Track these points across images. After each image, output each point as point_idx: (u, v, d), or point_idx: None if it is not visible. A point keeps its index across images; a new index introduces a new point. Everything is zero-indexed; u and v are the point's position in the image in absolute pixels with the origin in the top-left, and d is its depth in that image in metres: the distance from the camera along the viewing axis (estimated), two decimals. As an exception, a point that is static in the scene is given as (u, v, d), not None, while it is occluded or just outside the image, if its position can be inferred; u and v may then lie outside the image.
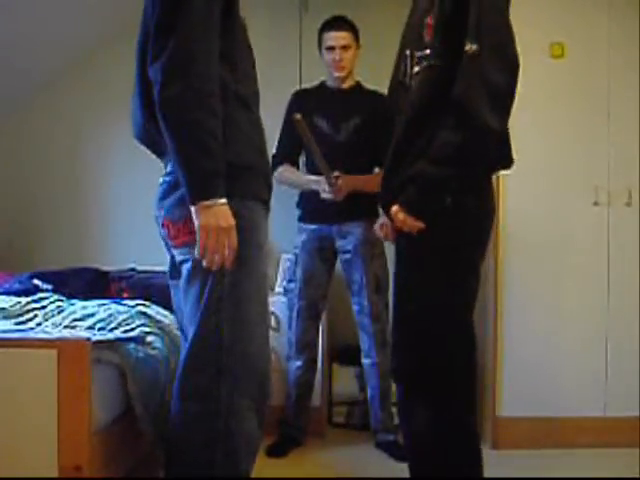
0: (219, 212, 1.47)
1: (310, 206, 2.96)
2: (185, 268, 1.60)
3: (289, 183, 3.01)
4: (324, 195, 2.81)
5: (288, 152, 2.98)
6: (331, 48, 2.89)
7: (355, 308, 2.95)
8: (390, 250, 2.89)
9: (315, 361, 2.99)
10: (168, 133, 1.47)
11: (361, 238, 2.88)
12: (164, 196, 1.62)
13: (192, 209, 1.49)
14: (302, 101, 3.00)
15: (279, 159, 2.97)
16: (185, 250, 1.59)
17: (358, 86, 3.02)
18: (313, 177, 2.88)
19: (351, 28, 2.92)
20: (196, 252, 1.53)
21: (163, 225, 1.63)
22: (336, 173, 2.75)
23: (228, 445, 1.56)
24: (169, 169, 1.62)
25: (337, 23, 2.92)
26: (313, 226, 2.93)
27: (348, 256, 2.92)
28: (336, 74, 2.93)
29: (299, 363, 2.94)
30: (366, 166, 2.93)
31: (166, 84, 1.45)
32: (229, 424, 1.55)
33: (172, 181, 1.59)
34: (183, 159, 1.47)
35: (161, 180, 1.66)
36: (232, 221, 1.50)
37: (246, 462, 1.61)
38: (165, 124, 1.47)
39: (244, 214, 1.57)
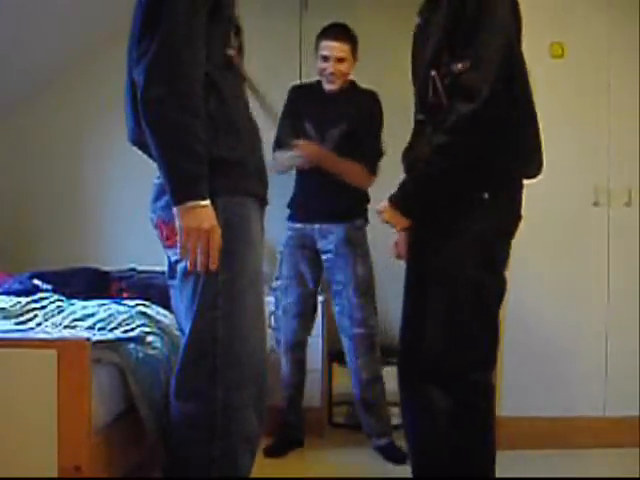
0: (201, 213, 1.47)
1: (296, 205, 2.97)
2: (179, 267, 1.61)
3: (279, 163, 2.92)
4: (292, 161, 2.82)
5: (284, 140, 2.94)
6: (325, 58, 2.83)
7: (336, 309, 2.90)
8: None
9: (303, 362, 2.94)
10: (151, 135, 1.48)
11: (342, 237, 2.85)
12: (156, 197, 1.63)
13: (174, 210, 1.49)
14: (297, 100, 2.99)
15: (275, 146, 2.95)
16: (177, 250, 1.58)
17: (351, 87, 2.96)
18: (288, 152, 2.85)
19: (350, 39, 2.85)
20: (178, 253, 1.53)
21: (157, 226, 1.64)
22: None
23: (226, 444, 1.55)
24: None
25: (336, 32, 2.84)
26: (297, 225, 2.94)
27: (330, 256, 2.88)
28: (327, 87, 2.89)
29: (286, 364, 2.91)
30: None
31: (148, 86, 1.45)
32: (226, 423, 1.54)
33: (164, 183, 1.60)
34: (165, 161, 1.48)
35: (154, 182, 1.66)
36: (214, 222, 1.50)
37: (245, 460, 1.60)
38: (148, 126, 1.47)
39: (235, 210, 1.58)
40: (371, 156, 2.87)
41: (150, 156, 1.62)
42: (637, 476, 2.49)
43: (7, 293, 2.70)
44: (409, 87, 3.56)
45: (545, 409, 2.90)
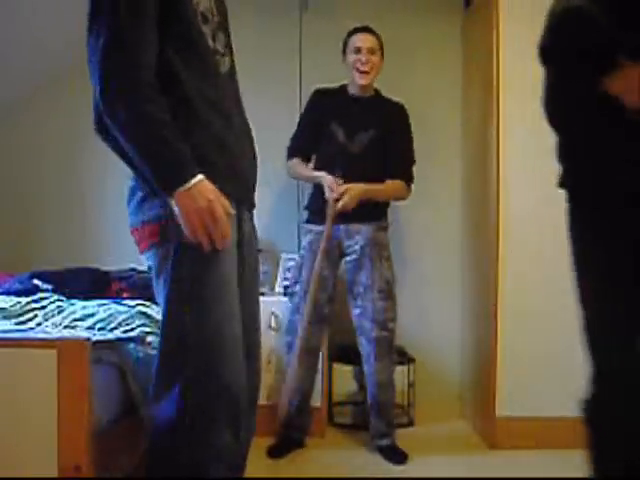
0: (195, 193, 1.42)
1: (317, 207, 2.92)
2: (153, 271, 1.55)
3: (297, 176, 3.03)
4: (328, 194, 2.79)
5: (301, 147, 2.98)
6: (358, 50, 2.87)
7: (355, 311, 2.86)
8: (398, 254, 2.88)
9: (316, 366, 2.93)
10: (119, 132, 1.43)
11: (369, 238, 2.83)
12: (128, 201, 1.57)
13: (172, 202, 1.44)
14: (322, 103, 2.98)
15: (291, 153, 2.99)
16: (149, 254, 1.55)
17: (378, 95, 3.00)
18: (320, 173, 2.86)
19: (377, 35, 2.93)
20: (149, 257, 1.50)
21: (131, 232, 1.59)
22: (342, 189, 2.74)
23: (193, 455, 1.47)
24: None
25: (365, 28, 2.93)
26: (320, 227, 2.87)
27: (354, 256, 2.85)
28: (360, 81, 2.89)
29: (298, 368, 2.83)
30: (379, 178, 2.89)
31: (105, 85, 1.40)
32: (194, 434, 1.46)
33: (133, 185, 1.55)
34: (142, 155, 1.42)
35: (129, 184, 1.59)
36: (212, 196, 1.44)
37: (218, 474, 1.50)
38: (113, 124, 1.42)
39: None
40: (408, 165, 2.93)
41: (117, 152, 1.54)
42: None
43: (7, 293, 2.70)
44: (409, 90, 3.57)
45: (545, 409, 2.90)
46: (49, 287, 2.79)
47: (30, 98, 3.57)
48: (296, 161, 2.98)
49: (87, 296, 2.68)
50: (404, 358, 3.27)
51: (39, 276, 2.87)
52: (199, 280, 1.48)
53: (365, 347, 2.85)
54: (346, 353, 3.25)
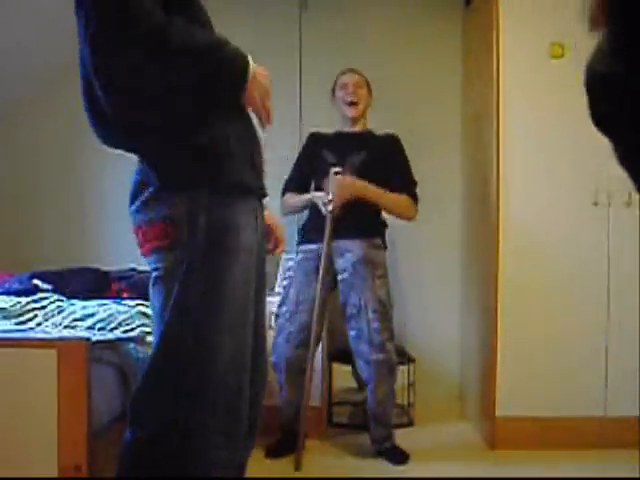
0: (259, 78, 1.43)
1: (311, 226, 2.92)
2: (153, 276, 1.41)
3: (292, 206, 3.01)
4: (324, 211, 2.80)
5: (297, 184, 3.01)
6: (345, 85, 2.95)
7: (351, 334, 2.77)
8: (394, 274, 2.86)
9: (302, 383, 2.79)
10: (154, 87, 1.28)
11: (361, 256, 2.76)
12: (132, 199, 1.43)
13: (245, 99, 1.43)
14: (316, 141, 3.03)
15: (285, 189, 3.01)
16: (152, 258, 1.41)
17: (370, 131, 3.03)
18: (314, 194, 2.89)
19: (363, 76, 2.99)
20: (153, 261, 1.40)
21: (134, 232, 1.46)
22: (330, 196, 2.77)
23: (184, 473, 1.34)
24: (138, 166, 1.45)
25: (351, 69, 3.01)
26: (311, 246, 2.86)
27: (345, 275, 2.77)
28: (350, 114, 2.93)
29: (289, 391, 2.81)
30: None
31: (118, 67, 1.25)
32: (187, 451, 1.33)
33: (139, 180, 1.42)
34: (189, 85, 1.31)
35: (134, 178, 1.45)
36: (265, 74, 1.45)
37: None
38: (154, 80, 1.27)
39: (219, 214, 1.37)
40: (411, 185, 2.93)
41: (129, 150, 1.46)
42: (637, 476, 2.49)
43: (7, 293, 2.70)
44: (409, 88, 3.57)
45: (544, 409, 2.90)
46: (49, 287, 2.79)
47: (29, 98, 3.57)
48: (289, 195, 3.00)
49: (87, 296, 2.68)
50: (404, 358, 3.27)
51: (39, 276, 2.87)
52: (209, 289, 1.35)
53: (364, 370, 2.77)
54: (346, 353, 3.24)
